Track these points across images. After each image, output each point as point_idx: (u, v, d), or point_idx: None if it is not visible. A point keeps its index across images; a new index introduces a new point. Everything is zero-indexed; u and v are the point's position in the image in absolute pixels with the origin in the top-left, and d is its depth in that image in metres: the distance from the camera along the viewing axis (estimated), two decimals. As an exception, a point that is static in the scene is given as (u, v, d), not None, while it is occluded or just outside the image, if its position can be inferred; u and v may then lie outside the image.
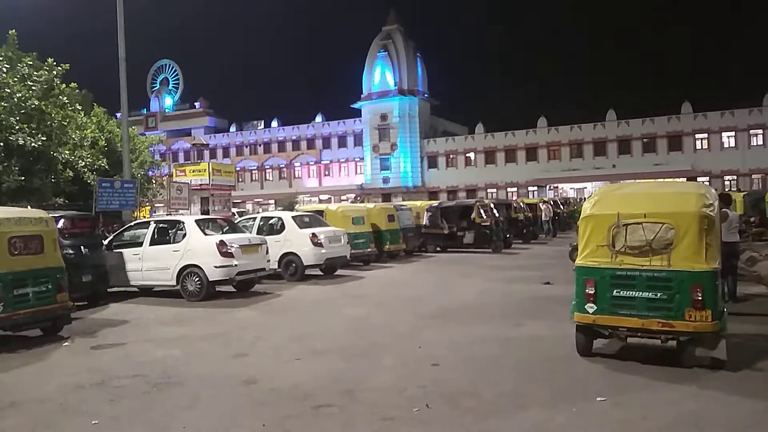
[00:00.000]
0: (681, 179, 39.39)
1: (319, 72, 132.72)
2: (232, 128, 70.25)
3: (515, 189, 53.94)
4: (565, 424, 4.55)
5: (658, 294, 5.77)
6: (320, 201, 55.35)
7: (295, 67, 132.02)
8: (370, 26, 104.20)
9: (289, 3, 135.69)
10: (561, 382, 5.56)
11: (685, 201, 5.94)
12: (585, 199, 9.46)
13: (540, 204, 27.46)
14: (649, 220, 5.87)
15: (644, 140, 50.70)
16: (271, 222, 14.75)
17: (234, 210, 34.22)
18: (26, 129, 15.24)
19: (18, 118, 15.12)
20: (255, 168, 67.01)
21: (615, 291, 5.95)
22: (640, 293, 5.84)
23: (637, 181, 32.28)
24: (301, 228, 14.11)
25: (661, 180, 33.83)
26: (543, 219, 26.58)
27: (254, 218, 15.30)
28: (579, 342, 6.33)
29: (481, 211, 20.09)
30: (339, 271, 14.87)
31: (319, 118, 65.16)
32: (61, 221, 10.35)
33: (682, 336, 5.74)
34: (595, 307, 6.02)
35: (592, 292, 6.03)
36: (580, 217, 6.39)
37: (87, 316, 9.70)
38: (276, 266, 13.46)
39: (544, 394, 5.26)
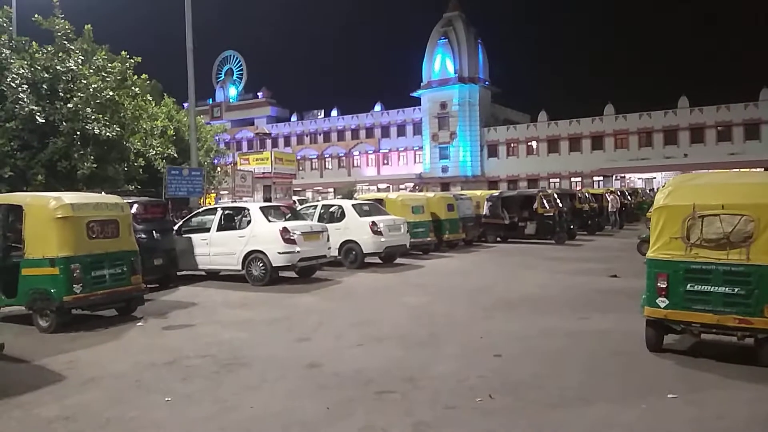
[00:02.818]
0: (758, 170, 37.31)
1: (379, 61, 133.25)
2: (293, 117, 71.49)
3: (579, 179, 52.44)
4: (634, 420, 4.41)
5: (736, 289, 5.50)
6: (378, 190, 55.54)
7: (355, 56, 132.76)
8: (431, 13, 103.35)
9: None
10: (629, 378, 5.40)
11: (767, 192, 5.63)
12: (654, 189, 9.07)
13: (606, 194, 26.61)
14: (727, 211, 5.59)
15: (719, 128, 48.22)
16: (331, 210, 14.92)
17: (295, 198, 34.77)
18: (101, 119, 15.91)
19: (93, 109, 15.78)
20: (315, 157, 67.94)
21: (689, 285, 5.71)
22: (716, 288, 5.58)
23: (711, 171, 30.78)
24: (361, 216, 14.22)
25: (737, 170, 32.11)
26: (609, 210, 25.72)
27: (315, 206, 15.49)
28: (649, 337, 6.12)
29: (544, 201, 19.62)
30: (398, 260, 14.91)
31: (378, 107, 65.35)
32: (135, 207, 10.80)
33: (760, 333, 5.46)
34: (667, 302, 5.80)
35: (665, 285, 5.81)
36: (653, 207, 6.16)
37: (158, 298, 10.12)
38: (336, 253, 13.63)
39: (612, 388, 5.12)
